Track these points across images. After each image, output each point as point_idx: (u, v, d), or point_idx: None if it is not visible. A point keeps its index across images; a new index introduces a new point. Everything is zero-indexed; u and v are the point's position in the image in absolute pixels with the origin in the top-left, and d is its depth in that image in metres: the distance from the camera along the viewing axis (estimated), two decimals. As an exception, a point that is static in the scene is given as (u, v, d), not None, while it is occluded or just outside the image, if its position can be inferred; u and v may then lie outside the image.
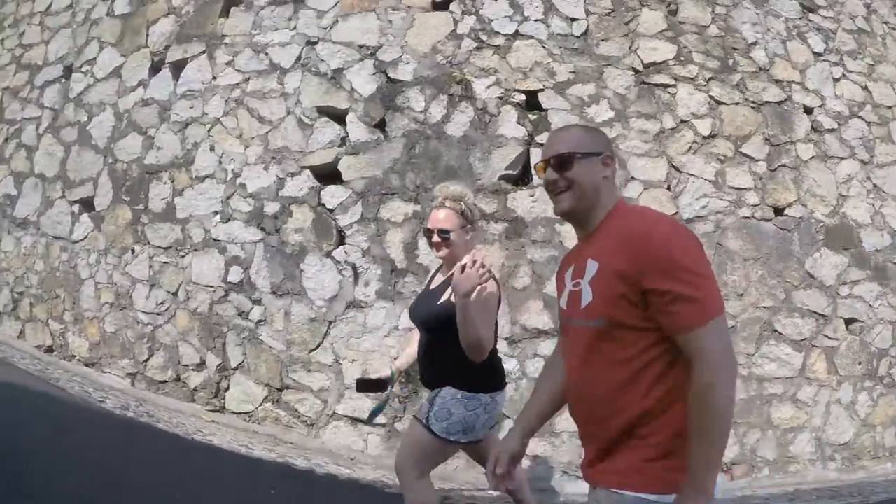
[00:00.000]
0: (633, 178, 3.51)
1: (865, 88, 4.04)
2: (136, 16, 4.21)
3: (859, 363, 3.70)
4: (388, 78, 3.57)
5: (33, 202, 4.34)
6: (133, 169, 3.93)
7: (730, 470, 3.38)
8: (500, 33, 3.63)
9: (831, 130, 3.87)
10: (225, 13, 3.95)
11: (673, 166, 3.53)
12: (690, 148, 3.56)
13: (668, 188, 3.55)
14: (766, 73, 3.77)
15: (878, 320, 3.78)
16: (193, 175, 3.74)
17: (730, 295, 3.52)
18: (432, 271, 2.11)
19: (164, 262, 3.71)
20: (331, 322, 3.35)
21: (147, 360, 3.67)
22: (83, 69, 4.34)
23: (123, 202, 3.91)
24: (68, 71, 4.46)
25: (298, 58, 3.70)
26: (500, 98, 3.56)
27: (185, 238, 3.68)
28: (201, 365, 3.53)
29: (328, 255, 3.43)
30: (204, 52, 3.90)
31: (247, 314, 3.46)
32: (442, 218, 1.86)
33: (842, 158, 3.86)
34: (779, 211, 3.66)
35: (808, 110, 3.85)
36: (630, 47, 3.63)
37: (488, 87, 3.56)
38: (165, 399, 3.57)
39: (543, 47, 3.59)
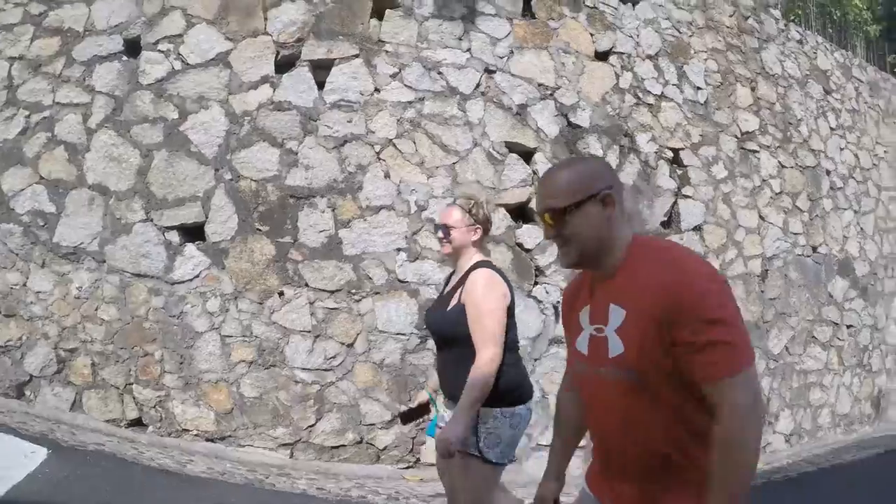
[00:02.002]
0: (739, 225, 4.23)
1: (856, 156, 5.37)
2: (243, -10, 3.32)
3: (854, 356, 5.05)
4: (569, 122, 3.56)
5: (89, 225, 3.16)
6: (268, 190, 3.16)
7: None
8: (650, 92, 3.94)
9: (840, 188, 5.09)
10: (376, 15, 3.39)
11: (760, 216, 4.32)
12: (768, 202, 4.39)
13: (758, 233, 4.35)
14: (806, 143, 4.80)
15: (864, 325, 5.17)
16: (363, 205, 3.20)
17: (792, 312, 4.54)
18: (445, 278, 2.05)
19: (332, 309, 3.13)
20: (536, 359, 3.30)
21: (313, 425, 3.09)
22: (161, 47, 3.26)
23: (259, 232, 3.14)
24: (132, 46, 3.30)
25: (478, 85, 3.42)
26: (656, 153, 3.88)
27: (361, 279, 3.15)
28: (392, 422, 3.12)
29: (529, 294, 3.33)
30: (358, 56, 3.30)
31: (447, 364, 3.17)
32: (447, 214, 1.84)
33: (844, 209, 5.12)
34: (814, 249, 4.76)
35: (828, 172, 5.01)
36: (733, 117, 4.27)
37: (647, 141, 3.86)
38: (344, 466, 3.07)
39: (681, 110, 4.03)
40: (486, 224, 1.85)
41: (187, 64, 3.24)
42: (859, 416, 5.11)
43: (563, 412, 1.33)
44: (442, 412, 1.86)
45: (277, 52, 3.28)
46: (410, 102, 3.33)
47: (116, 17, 3.31)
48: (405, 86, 3.34)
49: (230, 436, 3.08)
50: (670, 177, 3.93)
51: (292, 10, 3.31)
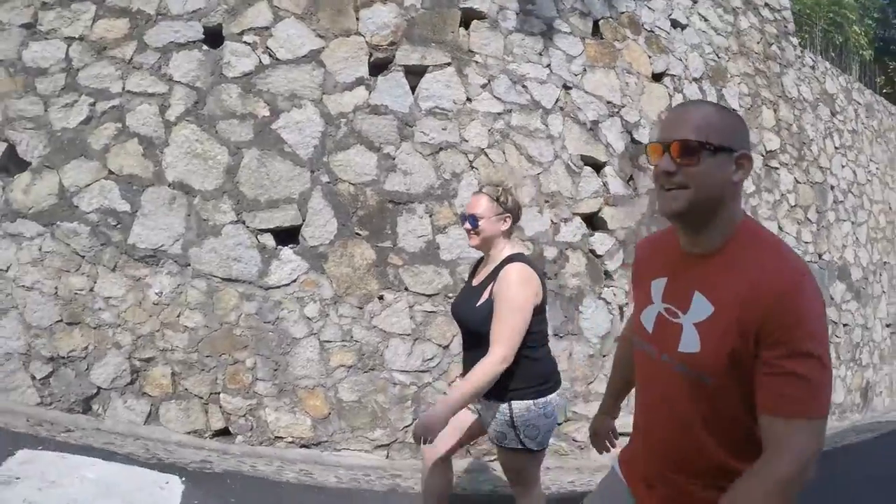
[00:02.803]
0: (761, 235, 4.89)
1: (854, 172, 6.25)
2: (334, -13, 3.23)
3: (848, 352, 5.91)
4: (632, 138, 3.89)
5: (171, 225, 2.92)
6: (367, 194, 3.13)
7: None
8: None
9: (841, 202, 5.91)
10: (464, 23, 3.47)
11: (779, 226, 4.97)
12: (785, 214, 5.05)
13: None
14: (816, 161, 5.54)
15: (856, 324, 6.03)
16: (458, 211, 3.28)
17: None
18: (472, 266, 2.00)
19: (430, 312, 3.19)
20: (604, 356, 3.60)
21: (409, 424, 3.13)
22: (246, 39, 3.08)
23: (359, 237, 3.10)
24: (214, 36, 3.08)
25: (557, 100, 3.63)
26: None
27: (457, 283, 3.24)
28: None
29: (599, 296, 3.62)
30: (450, 64, 3.37)
31: (534, 364, 3.36)
32: (475, 203, 1.76)
33: (844, 221, 5.94)
34: (820, 256, 5.47)
35: (832, 188, 5.79)
36: (760, 137, 4.87)
37: None
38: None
39: None
40: (515, 212, 1.78)
41: (277, 59, 3.10)
42: (850, 405, 5.83)
43: (624, 357, 1.32)
44: (475, 405, 1.85)
45: (370, 54, 3.25)
46: (500, 114, 3.45)
47: (193, 2, 3.07)
48: (494, 97, 3.45)
49: (326, 441, 3.05)
50: None
51: (384, 13, 3.28)
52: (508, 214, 1.77)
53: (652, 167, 0.98)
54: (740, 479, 0.87)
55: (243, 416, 2.98)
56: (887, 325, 6.57)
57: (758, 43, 4.99)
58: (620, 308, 3.68)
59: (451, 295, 3.24)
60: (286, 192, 3.04)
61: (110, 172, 2.92)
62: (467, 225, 1.77)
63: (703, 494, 0.96)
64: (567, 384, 3.43)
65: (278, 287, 2.99)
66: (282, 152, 3.05)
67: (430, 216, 3.24)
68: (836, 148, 5.86)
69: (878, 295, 6.44)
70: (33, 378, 2.82)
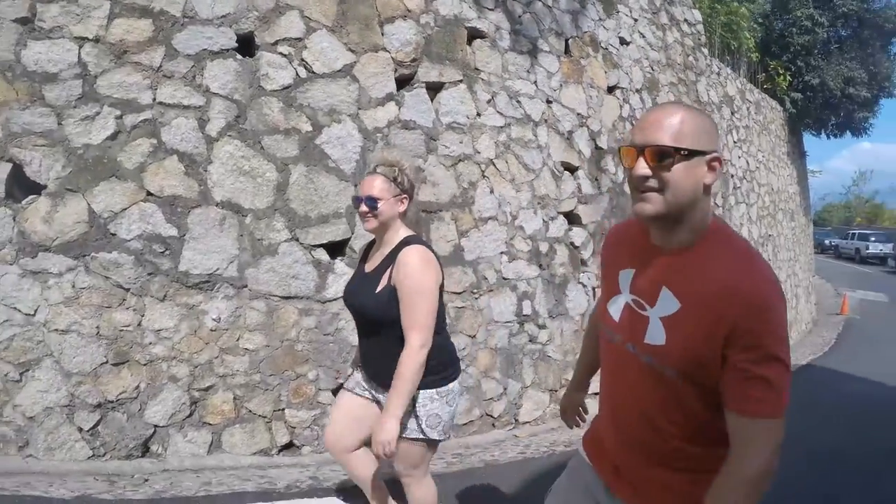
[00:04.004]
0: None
1: (747, 161, 7.99)
2: (359, 1, 3.26)
3: None
4: (596, 145, 4.75)
5: (224, 248, 2.76)
6: (406, 207, 3.37)
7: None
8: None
9: (738, 188, 7.59)
10: (468, 40, 3.82)
11: None
12: None
13: None
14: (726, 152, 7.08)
15: None
16: (476, 216, 3.73)
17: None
18: (362, 250, 1.91)
19: (460, 307, 3.63)
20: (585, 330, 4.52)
21: (452, 406, 3.61)
22: (281, 50, 2.98)
23: (403, 246, 3.34)
24: (247, 44, 2.90)
25: (542, 113, 4.25)
26: None
27: (479, 280, 3.72)
28: (502, 394, 3.89)
29: (578, 281, 4.48)
30: (462, 81, 3.71)
31: (536, 338, 4.09)
32: (371, 185, 1.65)
33: (741, 203, 7.62)
34: None
35: (732, 176, 7.42)
36: None
37: None
38: (473, 438, 3.73)
39: None
40: (411, 193, 1.71)
41: (313, 72, 3.08)
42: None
43: (593, 337, 1.34)
44: (358, 379, 1.85)
45: (396, 70, 3.40)
46: (502, 127, 3.93)
47: (222, 5, 2.85)
48: (497, 112, 3.91)
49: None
50: None
51: (405, 29, 3.45)
52: (405, 195, 1.69)
53: (623, 169, 1.04)
54: (717, 480, 0.92)
55: (308, 427, 3.10)
56: None
57: (679, 55, 6.25)
58: (594, 290, 4.60)
59: (474, 291, 3.73)
60: (334, 207, 3.12)
61: (149, 194, 2.66)
62: (364, 207, 1.64)
63: (664, 477, 1.02)
64: (560, 356, 4.25)
65: (335, 299, 3.12)
66: (327, 168, 3.10)
67: (455, 222, 3.64)
68: (734, 142, 7.57)
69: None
70: (80, 430, 2.53)
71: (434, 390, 1.66)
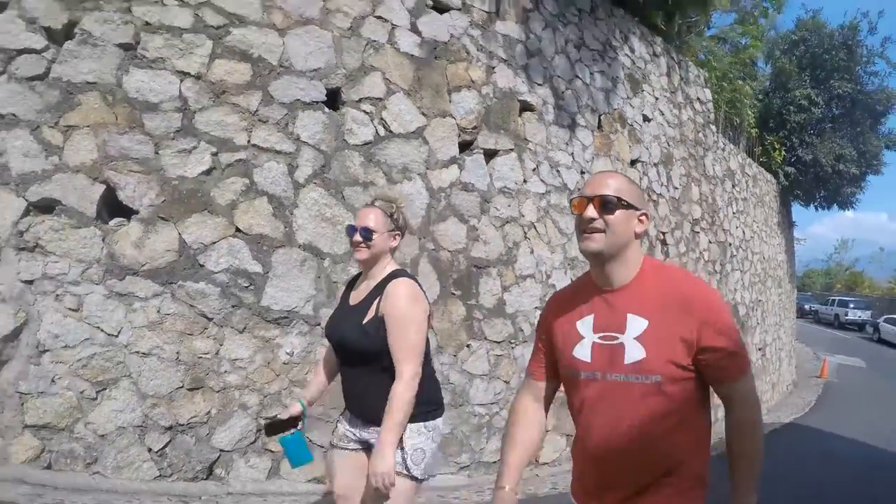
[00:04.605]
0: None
1: (743, 231, 8.54)
2: (432, 68, 3.64)
3: None
4: None
5: (302, 287, 2.98)
6: (460, 260, 3.66)
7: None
8: (654, 191, 5.86)
9: (734, 256, 8.03)
10: (519, 112, 4.21)
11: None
12: (703, 267, 6.97)
13: None
14: (720, 225, 7.25)
15: None
16: (517, 273, 4.02)
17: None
18: (344, 285, 1.88)
19: (499, 355, 3.87)
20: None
21: (483, 447, 3.79)
22: (364, 108, 3.30)
23: (454, 296, 3.61)
24: (334, 98, 3.20)
25: (576, 182, 4.63)
26: (655, 235, 5.84)
27: (516, 331, 3.98)
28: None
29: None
30: (513, 150, 4.08)
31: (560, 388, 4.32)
32: (368, 217, 1.69)
33: (736, 270, 7.90)
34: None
35: (729, 245, 7.85)
36: (689, 209, 6.63)
37: (652, 227, 5.73)
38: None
39: (667, 204, 6.07)
40: (404, 231, 1.77)
41: (391, 132, 3.40)
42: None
43: (514, 421, 1.35)
44: (343, 431, 1.78)
45: (459, 135, 3.75)
46: (543, 194, 4.29)
47: (315, 60, 3.16)
48: (540, 180, 4.28)
49: (423, 472, 3.52)
50: (661, 252, 5.90)
51: (469, 98, 3.82)
52: (398, 232, 1.74)
53: (573, 215, 1.22)
54: (729, 431, 1.18)
55: (355, 459, 3.26)
56: (759, 349, 8.93)
57: (691, 131, 6.77)
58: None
59: (513, 342, 3.99)
60: (401, 259, 3.38)
61: (238, 230, 2.88)
62: (357, 237, 1.67)
63: (645, 485, 1.16)
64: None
65: (392, 342, 3.34)
66: (397, 220, 3.38)
67: (500, 278, 3.93)
68: (734, 213, 8.05)
69: (754, 326, 8.75)
70: (149, 450, 2.66)
71: (421, 423, 1.65)
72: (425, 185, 3.53)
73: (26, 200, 2.57)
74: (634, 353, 1.13)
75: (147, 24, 2.78)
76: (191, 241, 2.78)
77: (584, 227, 1.17)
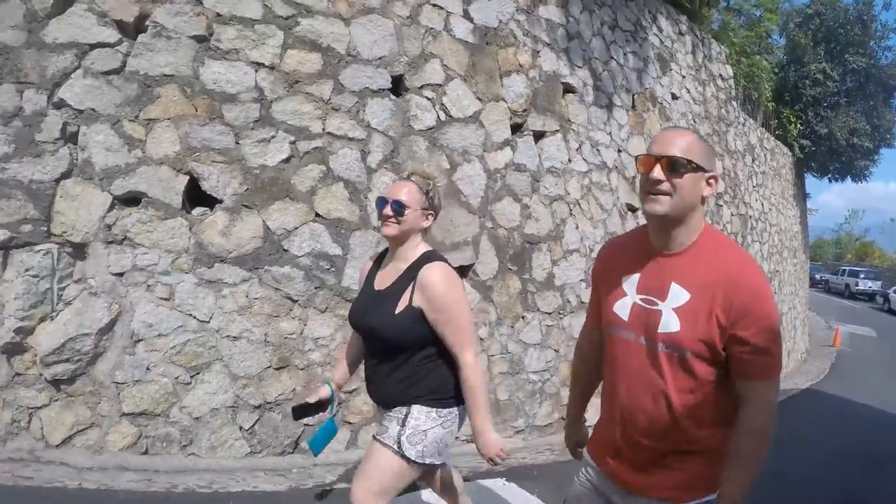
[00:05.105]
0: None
1: (762, 204, 8.69)
2: (485, 54, 3.73)
3: None
4: None
5: None
6: (515, 237, 3.80)
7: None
8: None
9: (754, 228, 8.15)
10: (562, 94, 4.31)
11: None
12: None
13: None
14: (742, 198, 7.63)
15: None
16: (564, 248, 4.17)
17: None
18: (367, 264, 1.77)
19: (550, 326, 4.05)
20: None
21: (536, 412, 4.00)
22: (426, 94, 3.40)
23: (511, 271, 3.76)
24: (398, 85, 3.30)
25: (614, 160, 4.75)
26: None
27: (564, 303, 4.16)
28: (563, 405, 4.29)
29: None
30: (558, 131, 4.19)
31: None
32: (402, 190, 1.58)
33: (755, 242, 8.30)
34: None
35: (749, 217, 8.03)
36: None
37: None
38: (553, 437, 4.10)
39: None
40: (437, 212, 1.65)
41: (451, 116, 3.51)
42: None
43: (585, 362, 1.41)
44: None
45: (511, 118, 3.86)
46: (585, 172, 4.41)
47: (379, 48, 3.25)
48: (583, 159, 4.39)
49: (486, 440, 3.73)
50: None
51: (519, 82, 3.92)
52: (432, 212, 1.62)
53: (639, 174, 1.15)
54: (733, 436, 1.11)
55: (426, 428, 3.46)
56: None
57: (714, 108, 6.85)
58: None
59: (562, 313, 4.16)
60: (464, 236, 3.53)
61: (317, 215, 3.01)
62: (388, 210, 1.55)
63: (674, 461, 1.16)
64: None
65: (457, 318, 3.51)
66: (459, 202, 3.52)
67: (550, 253, 4.08)
68: (753, 186, 8.15)
69: (772, 296, 9.23)
70: (240, 429, 2.84)
71: (433, 409, 1.57)
72: (483, 166, 3.65)
73: (111, 194, 2.67)
74: (670, 323, 1.10)
75: (218, 15, 2.85)
76: (274, 228, 2.91)
77: (649, 189, 1.11)
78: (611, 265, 1.24)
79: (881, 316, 19.29)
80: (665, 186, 1.08)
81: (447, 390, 1.59)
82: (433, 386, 1.56)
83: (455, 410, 1.61)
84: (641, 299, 1.14)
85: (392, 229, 1.55)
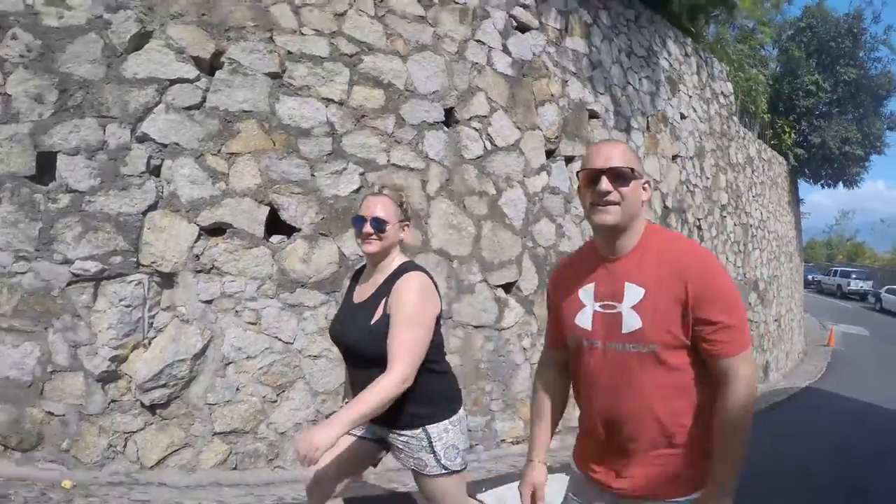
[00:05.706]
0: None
1: (760, 213, 9.10)
2: (522, 86, 4.08)
3: (755, 341, 8.93)
4: (665, 205, 5.66)
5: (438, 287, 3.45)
6: (551, 254, 4.14)
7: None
8: (691, 182, 6.36)
9: (755, 236, 8.24)
10: (588, 119, 4.68)
11: (726, 258, 7.51)
12: (729, 248, 7.53)
13: (725, 269, 7.62)
14: (743, 208, 7.92)
15: (761, 321, 8.92)
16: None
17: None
18: (349, 279, 1.81)
19: (585, 337, 4.39)
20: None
21: (571, 415, 4.31)
22: (473, 125, 3.74)
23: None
24: (449, 117, 3.63)
25: (636, 176, 5.13)
26: (692, 222, 6.35)
27: (597, 315, 4.50)
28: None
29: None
30: (587, 152, 4.55)
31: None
32: (377, 206, 1.58)
33: (755, 249, 8.71)
34: (744, 275, 8.23)
35: (750, 226, 8.17)
36: (718, 196, 7.17)
37: (690, 215, 6.27)
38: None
39: (701, 194, 6.61)
40: (411, 221, 1.69)
41: (494, 145, 3.85)
42: (756, 379, 8.86)
43: (549, 390, 1.39)
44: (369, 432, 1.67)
45: (545, 144, 4.21)
46: (612, 190, 4.77)
47: (432, 83, 3.56)
48: (609, 178, 4.75)
49: (525, 439, 4.04)
50: (697, 237, 6.42)
51: (551, 111, 4.28)
52: (408, 223, 1.66)
53: (580, 189, 1.20)
54: (716, 411, 1.11)
55: (482, 429, 3.77)
56: (775, 320, 9.57)
57: (717, 124, 7.25)
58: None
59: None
60: (509, 255, 3.86)
61: (382, 238, 3.31)
62: (368, 228, 1.56)
63: (649, 450, 1.17)
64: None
65: (508, 328, 3.84)
66: (504, 224, 3.85)
67: (584, 267, 4.42)
68: (753, 196, 8.55)
69: (772, 299, 9.39)
70: (320, 441, 3.09)
71: (447, 421, 1.61)
72: (524, 191, 3.99)
73: (198, 225, 2.83)
74: (631, 322, 1.13)
75: (289, 52, 3.04)
76: (349, 254, 3.20)
77: (596, 201, 1.15)
78: (564, 283, 1.27)
79: (873, 315, 19.90)
80: (614, 196, 1.13)
81: (449, 400, 1.63)
82: (434, 400, 1.57)
83: (460, 411, 1.65)
84: (601, 306, 1.17)
85: (374, 246, 1.57)
